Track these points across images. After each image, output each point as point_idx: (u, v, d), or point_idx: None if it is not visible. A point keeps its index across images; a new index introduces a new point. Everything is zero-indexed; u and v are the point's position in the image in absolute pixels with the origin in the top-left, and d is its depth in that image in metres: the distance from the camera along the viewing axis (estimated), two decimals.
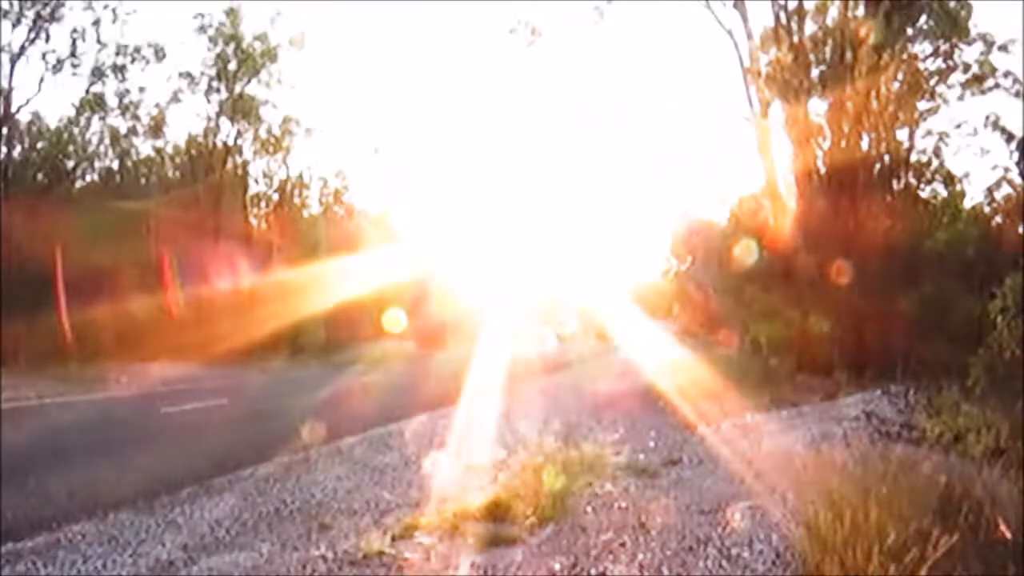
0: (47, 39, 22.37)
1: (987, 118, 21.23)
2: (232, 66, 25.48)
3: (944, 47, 18.27)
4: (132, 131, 25.61)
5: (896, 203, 17.14)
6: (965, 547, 3.32)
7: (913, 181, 19.19)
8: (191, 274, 22.61)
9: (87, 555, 4.50)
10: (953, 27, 17.44)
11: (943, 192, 20.81)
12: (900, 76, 16.91)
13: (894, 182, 17.53)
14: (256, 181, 28.91)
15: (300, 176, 30.05)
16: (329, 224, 29.90)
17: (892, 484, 3.90)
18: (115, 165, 26.28)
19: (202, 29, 25.19)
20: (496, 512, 4.90)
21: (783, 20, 16.13)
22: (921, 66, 18.21)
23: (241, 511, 5.53)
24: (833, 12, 16.48)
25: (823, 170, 15.96)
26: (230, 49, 25.39)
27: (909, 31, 16.93)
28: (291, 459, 7.53)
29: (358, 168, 30.47)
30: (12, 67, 21.82)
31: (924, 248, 15.13)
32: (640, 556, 4.16)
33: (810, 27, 16.34)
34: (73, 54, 22.79)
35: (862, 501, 3.71)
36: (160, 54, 24.32)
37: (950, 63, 18.88)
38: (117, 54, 23.60)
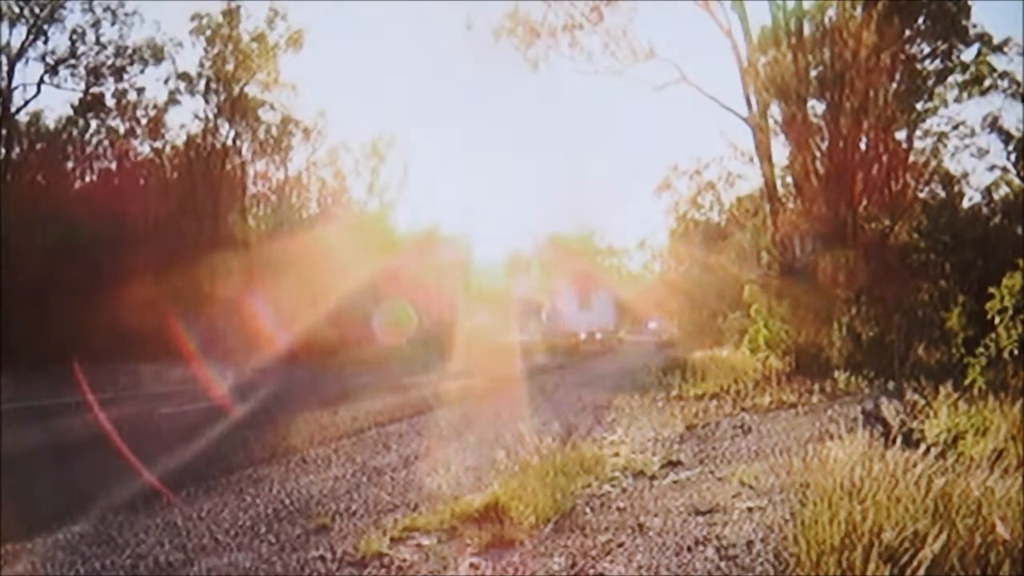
0: (46, 40, 22.42)
1: (985, 119, 21.35)
2: (230, 67, 25.48)
3: (942, 48, 18.32)
4: (131, 132, 25.64)
5: (894, 204, 17.17)
6: (962, 548, 3.33)
7: (911, 182, 19.21)
8: (190, 275, 22.59)
9: (86, 556, 4.50)
10: (951, 28, 17.49)
11: (941, 193, 20.86)
12: (898, 76, 16.93)
13: (892, 183, 17.57)
14: (255, 183, 28.95)
15: (299, 177, 30.09)
16: (328, 225, 29.88)
17: (889, 484, 3.90)
18: (114, 166, 26.29)
19: (200, 30, 25.21)
20: (494, 513, 4.91)
21: (782, 21, 16.15)
22: (919, 67, 18.25)
23: (238, 511, 5.53)
24: (831, 13, 16.51)
25: (821, 171, 15.98)
26: (228, 50, 25.39)
27: (907, 31, 16.97)
28: (288, 459, 7.54)
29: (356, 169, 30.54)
30: (11, 68, 21.85)
31: (922, 248, 15.15)
32: (638, 557, 4.17)
33: (808, 28, 16.37)
34: (73, 55, 22.82)
35: (859, 501, 3.72)
36: (159, 56, 24.35)
37: (948, 64, 18.94)
38: (116, 55, 23.62)
